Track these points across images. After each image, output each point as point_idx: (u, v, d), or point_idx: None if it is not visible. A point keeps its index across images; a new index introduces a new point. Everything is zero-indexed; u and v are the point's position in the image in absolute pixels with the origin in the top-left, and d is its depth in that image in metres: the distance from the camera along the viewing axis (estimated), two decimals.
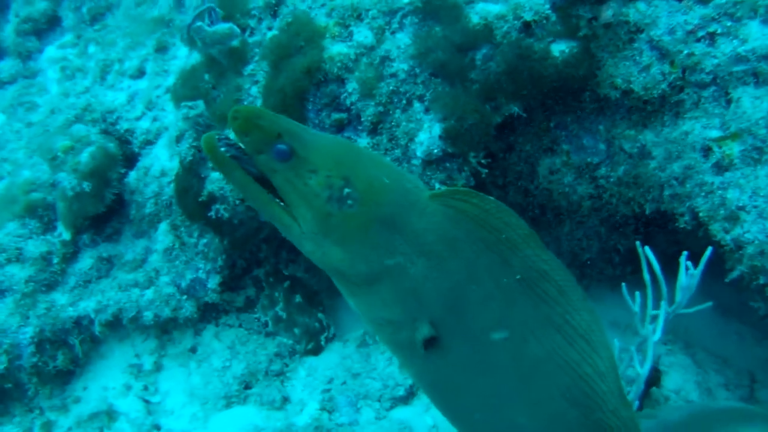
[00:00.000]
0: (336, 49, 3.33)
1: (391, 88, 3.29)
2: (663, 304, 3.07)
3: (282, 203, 1.96)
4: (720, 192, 3.20)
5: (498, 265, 1.93)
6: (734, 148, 3.23)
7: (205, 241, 4.03)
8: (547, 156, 3.64)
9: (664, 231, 3.88)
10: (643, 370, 3.03)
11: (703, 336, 4.31)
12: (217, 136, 1.96)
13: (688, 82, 3.25)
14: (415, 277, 1.96)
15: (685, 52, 3.19)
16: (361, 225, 1.93)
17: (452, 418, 2.29)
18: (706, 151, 3.26)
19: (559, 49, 3.22)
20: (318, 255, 2.00)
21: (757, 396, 3.99)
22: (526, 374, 2.03)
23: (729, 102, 3.22)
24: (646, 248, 3.11)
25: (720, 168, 3.22)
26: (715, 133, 3.25)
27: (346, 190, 1.91)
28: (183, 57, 4.24)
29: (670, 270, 3.15)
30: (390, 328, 2.06)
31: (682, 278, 3.05)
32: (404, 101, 3.30)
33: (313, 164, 1.92)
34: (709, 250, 3.03)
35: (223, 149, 1.95)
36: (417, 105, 3.30)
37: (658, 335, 3.04)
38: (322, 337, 4.43)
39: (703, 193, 3.24)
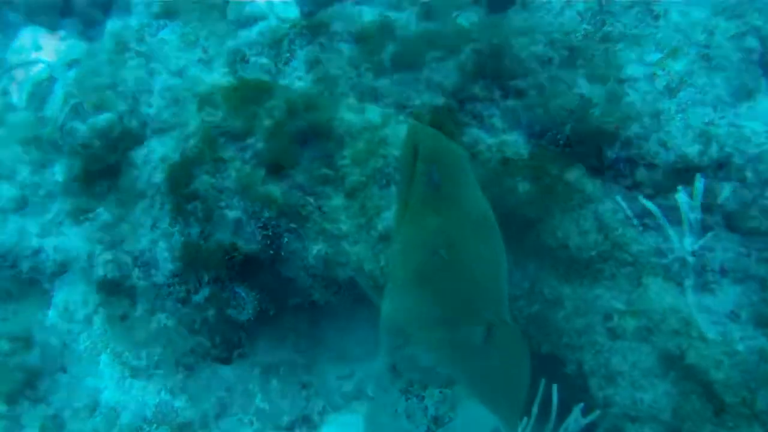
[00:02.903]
0: None
1: None
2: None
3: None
4: (680, 115, 3.00)
5: None
6: (677, 66, 3.05)
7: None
8: None
9: None
10: None
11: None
12: None
13: None
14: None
15: None
16: None
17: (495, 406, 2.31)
18: (651, 78, 3.05)
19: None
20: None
21: None
22: None
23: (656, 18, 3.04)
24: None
25: (671, 90, 3.05)
26: (653, 57, 3.09)
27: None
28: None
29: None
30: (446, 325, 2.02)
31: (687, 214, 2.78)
32: None
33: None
34: (699, 178, 2.75)
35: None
36: None
37: None
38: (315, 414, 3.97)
39: (656, 140, 3.00)
